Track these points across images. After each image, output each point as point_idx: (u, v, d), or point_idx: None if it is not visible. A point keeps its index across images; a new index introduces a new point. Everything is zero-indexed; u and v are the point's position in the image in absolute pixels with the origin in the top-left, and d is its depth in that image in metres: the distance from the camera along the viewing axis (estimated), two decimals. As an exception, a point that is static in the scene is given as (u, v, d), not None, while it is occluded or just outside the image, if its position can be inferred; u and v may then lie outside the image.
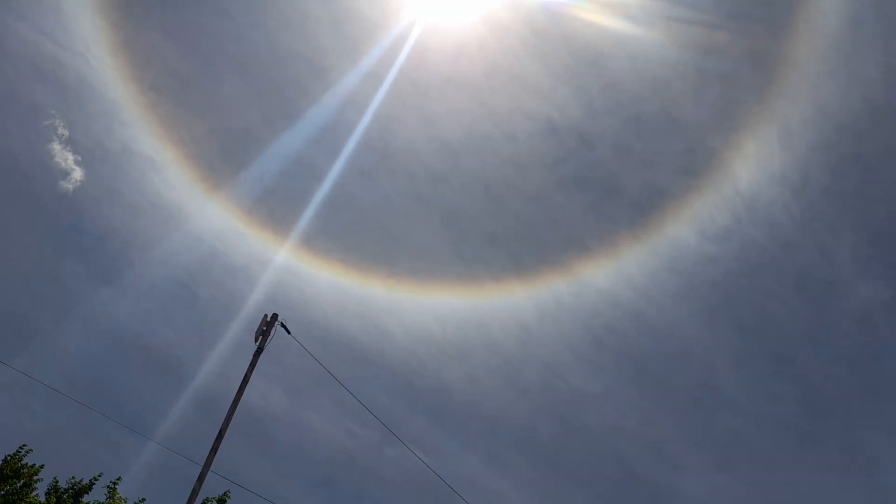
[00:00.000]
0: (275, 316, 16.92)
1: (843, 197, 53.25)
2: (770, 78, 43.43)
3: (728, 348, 57.43)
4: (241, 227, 42.98)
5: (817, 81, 45.27)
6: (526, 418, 56.54)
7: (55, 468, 20.40)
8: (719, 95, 49.21)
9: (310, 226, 50.54)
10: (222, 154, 45.27)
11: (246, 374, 16.61)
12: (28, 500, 18.18)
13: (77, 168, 45.02)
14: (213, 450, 15.37)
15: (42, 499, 18.94)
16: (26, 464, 19.39)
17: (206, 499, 20.20)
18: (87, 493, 19.55)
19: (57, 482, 19.59)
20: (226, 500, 20.41)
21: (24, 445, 19.40)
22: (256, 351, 16.73)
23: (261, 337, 16.80)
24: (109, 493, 18.62)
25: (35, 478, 19.15)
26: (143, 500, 19.45)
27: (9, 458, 18.71)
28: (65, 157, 44.17)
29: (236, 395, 15.73)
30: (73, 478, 19.67)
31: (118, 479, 18.97)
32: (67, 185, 44.62)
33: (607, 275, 48.45)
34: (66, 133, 43.95)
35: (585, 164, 57.10)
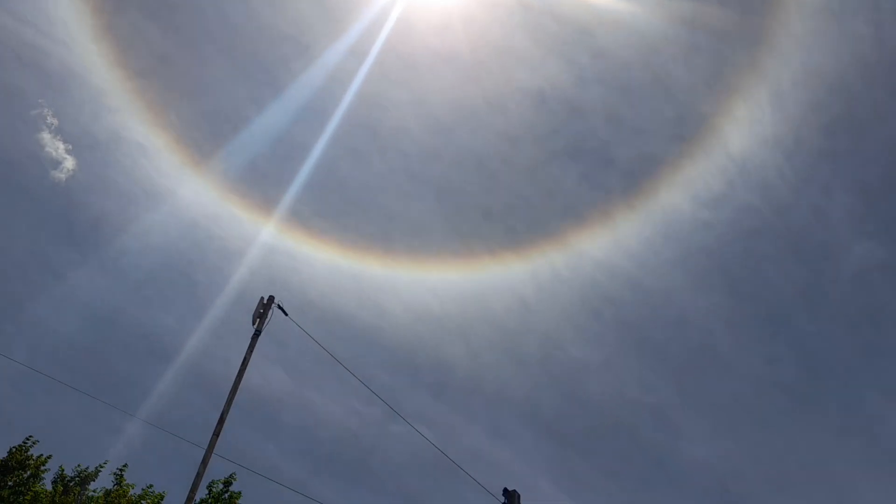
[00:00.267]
0: (271, 298, 16.93)
1: (836, 158, 53.26)
2: (760, 39, 43.18)
3: (725, 313, 57.74)
4: (236, 210, 42.89)
5: (808, 41, 45.03)
6: (528, 390, 56.98)
7: (61, 457, 20.58)
8: (709, 60, 48.97)
9: (305, 207, 50.48)
10: (211, 136, 45.04)
11: (245, 357, 16.65)
12: (35, 489, 18.33)
13: (68, 157, 44.75)
14: (216, 433, 15.47)
15: (49, 488, 19.11)
16: (31, 455, 19.52)
17: (213, 481, 20.37)
18: (94, 481, 19.72)
19: (63, 470, 19.74)
20: (231, 482, 20.57)
21: (30, 437, 19.56)
22: (255, 333, 16.76)
23: (258, 319, 16.81)
24: (117, 479, 18.77)
25: (42, 468, 19.31)
26: (151, 486, 19.62)
27: (14, 449, 18.82)
28: (55, 147, 43.89)
29: (236, 377, 15.80)
30: (78, 465, 19.85)
31: (124, 466, 19.15)
32: (60, 175, 44.37)
33: (603, 244, 48.54)
34: (55, 122, 43.63)
35: (577, 135, 56.95)
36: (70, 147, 46.99)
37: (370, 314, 52.03)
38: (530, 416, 57.43)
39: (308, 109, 49.26)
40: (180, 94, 48.31)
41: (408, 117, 53.50)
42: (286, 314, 16.49)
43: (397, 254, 47.53)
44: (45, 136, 44.54)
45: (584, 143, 57.28)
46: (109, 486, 19.52)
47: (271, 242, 45.11)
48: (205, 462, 15.20)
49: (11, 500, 17.88)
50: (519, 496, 15.81)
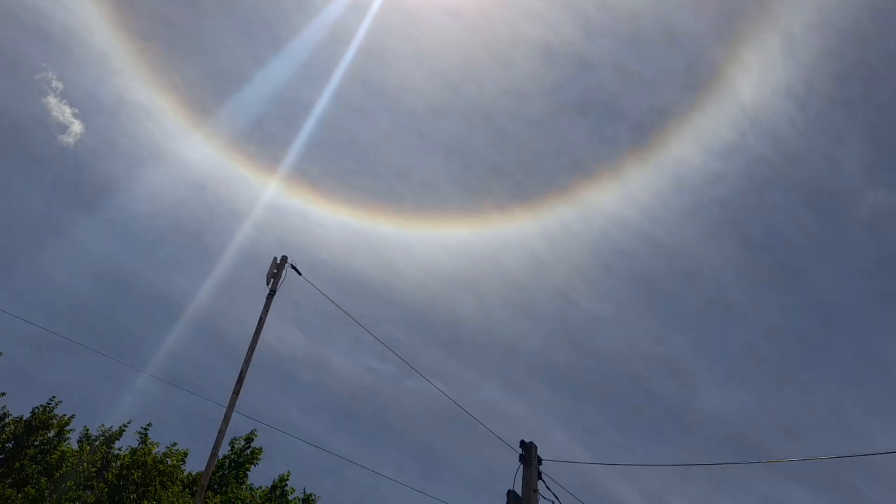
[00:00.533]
0: (284, 258, 17.00)
1: (849, 105, 52.41)
2: (772, -16, 42.23)
3: (737, 264, 57.65)
4: (244, 171, 42.84)
5: (821, -15, 44.03)
6: (540, 344, 57.43)
7: (83, 418, 21.06)
8: (719, 7, 47.97)
9: (314, 167, 50.38)
10: (216, 96, 44.77)
11: (261, 317, 16.79)
12: (61, 448, 18.80)
13: (76, 121, 44.67)
14: (236, 391, 15.71)
15: (75, 447, 19.58)
16: (56, 415, 19.97)
17: (234, 438, 20.84)
18: (118, 440, 20.18)
19: (87, 430, 20.21)
20: (252, 439, 21.04)
21: (53, 397, 19.98)
22: (269, 293, 16.86)
23: (272, 279, 16.91)
24: (142, 438, 19.19)
25: (66, 428, 19.77)
26: (175, 444, 20.08)
27: (38, 410, 19.25)
28: (62, 111, 43.78)
29: (253, 337, 15.98)
30: (102, 425, 20.30)
31: (149, 425, 19.57)
32: (68, 139, 44.36)
33: (613, 198, 48.31)
34: (60, 86, 43.45)
35: (585, 88, 56.22)
36: (77, 111, 46.88)
37: (382, 272, 52.31)
38: (543, 370, 58.02)
39: (311, 67, 48.80)
40: (183, 54, 47.93)
41: (413, 73, 52.93)
42: (300, 274, 16.58)
43: (407, 212, 47.54)
44: (52, 101, 44.41)
45: (592, 96, 56.61)
46: (133, 445, 19.96)
47: (281, 203, 45.20)
48: (226, 419, 15.49)
49: (39, 459, 18.35)
50: (536, 447, 16.04)
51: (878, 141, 54.09)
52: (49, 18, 43.77)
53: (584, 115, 56.97)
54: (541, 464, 15.11)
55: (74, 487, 17.49)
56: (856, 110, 52.97)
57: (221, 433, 15.53)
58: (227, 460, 20.42)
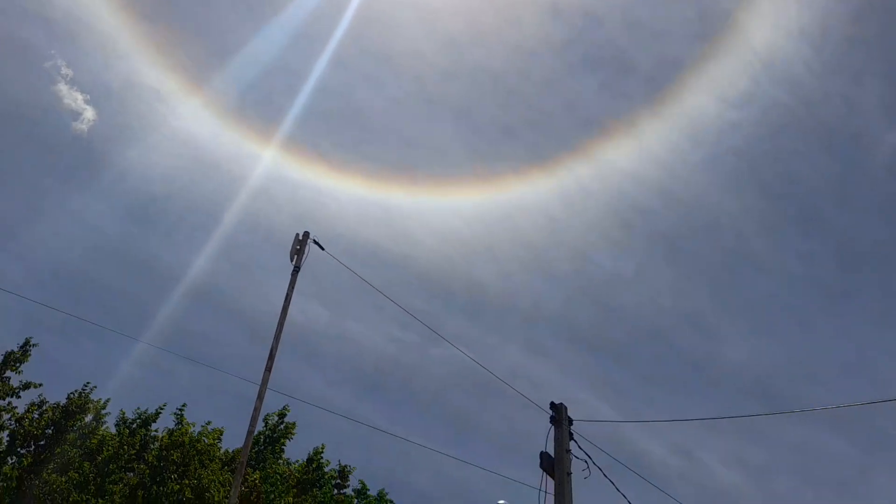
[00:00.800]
0: (306, 234, 16.90)
1: (866, 45, 51.23)
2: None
3: (756, 213, 57.07)
4: (257, 148, 42.69)
5: (834, -79, 42.80)
6: (562, 306, 57.41)
7: (117, 401, 21.30)
8: (730, -50, 46.82)
9: (325, 140, 50.13)
10: (226, 76, 44.43)
11: (287, 293, 16.75)
12: (100, 432, 19.08)
13: (88, 107, 44.59)
14: (268, 367, 15.76)
15: (112, 431, 19.87)
16: (91, 399, 20.24)
17: (268, 414, 21.06)
18: (154, 422, 20.44)
19: (124, 414, 20.48)
20: (285, 414, 21.26)
21: (87, 383, 20.23)
22: (294, 270, 16.80)
23: (296, 256, 16.86)
24: (177, 418, 19.42)
25: (103, 412, 20.06)
26: (210, 422, 20.31)
27: (73, 395, 19.53)
28: (74, 98, 43.70)
29: (281, 314, 15.98)
30: (138, 408, 20.56)
31: (183, 406, 19.78)
32: (81, 126, 44.33)
33: (629, 154, 47.74)
34: (69, 73, 43.29)
35: (595, 43, 55.30)
36: (88, 97, 46.80)
37: (399, 243, 52.31)
38: (566, 331, 58.08)
39: (307, 36, 48.22)
40: (187, 32, 47.50)
41: (418, 38, 52.25)
42: (322, 248, 16.48)
43: (421, 180, 47.30)
44: (62, 88, 44.33)
45: (602, 52, 55.71)
46: (168, 426, 20.18)
47: (294, 177, 45.11)
48: (260, 396, 15.58)
49: (79, 444, 18.65)
50: (566, 408, 16.04)
51: (897, 80, 52.94)
52: (52, 4, 43.49)
53: (595, 71, 56.16)
54: (571, 424, 15.12)
55: (117, 470, 17.78)
56: (873, 49, 51.81)
57: (257, 410, 15.62)
58: (261, 436, 20.68)
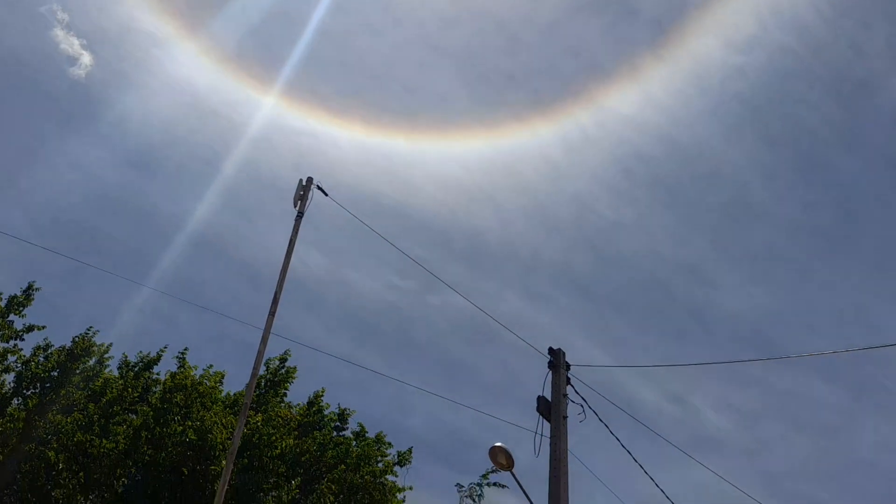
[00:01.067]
0: (310, 179, 16.80)
1: (876, -12, 50.17)
2: None
3: (759, 162, 56.75)
4: (254, 93, 42.12)
5: None
6: (561, 253, 57.56)
7: (119, 345, 21.54)
8: None
9: (326, 86, 49.45)
10: (224, 22, 43.56)
11: (291, 239, 16.75)
12: (104, 375, 19.33)
13: (85, 52, 43.85)
14: (271, 313, 15.87)
15: (116, 373, 20.13)
16: (94, 342, 20.45)
17: (269, 359, 21.27)
18: (156, 365, 20.68)
19: (126, 357, 20.71)
20: (286, 359, 21.48)
21: (90, 327, 20.43)
22: (297, 216, 16.76)
23: (299, 202, 16.79)
24: (179, 362, 19.64)
25: (106, 355, 20.30)
26: (211, 365, 20.56)
27: (78, 338, 19.71)
28: (70, 43, 42.93)
29: (285, 259, 16.01)
30: (140, 352, 20.78)
31: (185, 350, 19.97)
32: (78, 72, 43.66)
33: (631, 100, 47.13)
34: (66, 17, 42.43)
35: (600, -14, 54.13)
36: (84, 42, 45.98)
37: (399, 190, 52.14)
38: (564, 279, 58.37)
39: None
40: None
41: (422, -18, 51.12)
42: (326, 195, 16.42)
43: (422, 127, 46.78)
44: (59, 33, 43.52)
45: (607, -5, 54.53)
46: (170, 370, 20.40)
47: (294, 125, 44.70)
48: (264, 340, 15.72)
49: (83, 385, 18.93)
50: (564, 354, 16.21)
51: (907, 25, 51.99)
52: (43, -57, 42.39)
53: (599, 14, 55.07)
54: (569, 370, 15.33)
55: (121, 412, 18.07)
56: (883, -6, 50.71)
57: (260, 353, 15.79)
58: (262, 380, 20.93)
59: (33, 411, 17.69)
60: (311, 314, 48.54)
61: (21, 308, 19.65)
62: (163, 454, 16.94)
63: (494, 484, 20.21)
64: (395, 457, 20.63)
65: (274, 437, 17.93)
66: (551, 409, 13.64)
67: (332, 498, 17.69)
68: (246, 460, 17.17)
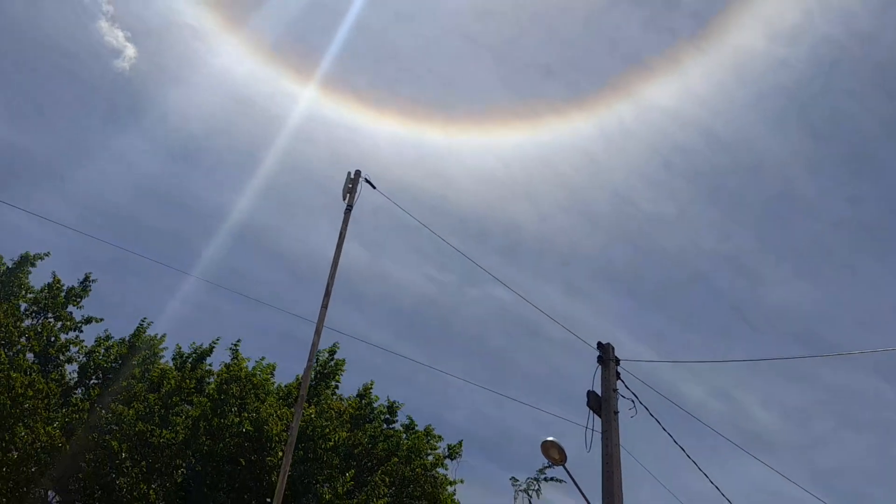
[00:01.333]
0: (358, 172, 16.89)
1: (927, -25, 48.77)
2: None
3: (804, 155, 55.69)
4: (292, 86, 42.37)
5: None
6: (600, 248, 57.15)
7: (173, 336, 21.93)
8: None
9: (360, 79, 49.63)
10: (264, 13, 43.94)
11: (341, 233, 16.88)
12: (161, 366, 19.74)
13: (129, 45, 44.56)
14: (324, 305, 16.01)
15: (170, 364, 20.55)
16: (149, 335, 20.91)
17: (318, 351, 21.48)
18: (209, 356, 21.04)
19: (180, 348, 21.11)
20: (335, 351, 21.70)
21: (144, 318, 20.88)
22: (346, 209, 16.86)
23: (348, 195, 16.87)
24: (233, 353, 19.94)
25: (160, 346, 20.75)
26: (264, 357, 20.85)
27: (136, 330, 20.21)
28: (115, 35, 43.64)
29: (336, 251, 16.12)
30: (193, 343, 21.16)
31: (238, 342, 20.28)
32: (123, 64, 44.37)
33: (672, 92, 46.52)
34: (111, 9, 43.11)
35: (640, -24, 53.46)
36: (129, 34, 46.73)
37: (435, 183, 52.16)
38: (604, 273, 57.96)
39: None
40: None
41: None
42: (374, 187, 16.49)
43: (458, 120, 46.67)
44: (104, 25, 44.28)
45: (647, -15, 53.84)
46: (222, 362, 20.69)
47: (330, 117, 44.93)
48: (317, 332, 15.88)
49: (138, 375, 19.36)
50: (613, 348, 16.12)
51: (958, 13, 50.48)
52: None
53: (639, 5, 54.42)
54: (618, 364, 15.24)
55: (179, 402, 18.44)
56: (934, -19, 49.28)
57: (314, 346, 15.99)
58: (313, 372, 21.16)
59: (96, 401, 18.15)
60: (352, 307, 48.91)
61: (79, 299, 20.16)
62: (220, 445, 17.23)
63: (551, 479, 20.21)
64: (446, 450, 20.75)
65: (327, 430, 18.13)
66: (601, 404, 13.58)
67: (385, 490, 17.84)
68: (301, 452, 17.39)
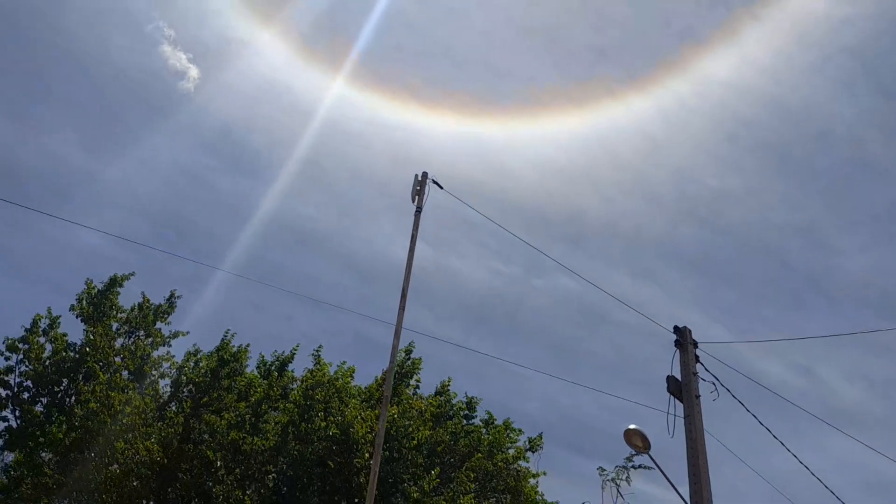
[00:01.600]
0: (425, 174, 17.07)
1: None
2: None
3: (874, 116, 53.43)
4: (352, 92, 43.03)
5: None
6: (666, 228, 56.17)
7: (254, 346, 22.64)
8: None
9: (415, 79, 49.92)
10: (316, 24, 44.70)
11: (412, 235, 17.10)
12: (248, 376, 20.47)
13: (192, 66, 46.02)
14: (401, 307, 16.30)
15: (256, 373, 21.27)
16: (233, 346, 21.67)
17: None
18: (290, 363, 21.69)
19: (263, 357, 21.82)
20: (411, 350, 22.06)
21: (228, 330, 21.65)
22: (416, 211, 17.06)
23: (417, 197, 17.07)
24: (315, 359, 20.50)
25: (246, 356, 21.51)
26: (345, 362, 21.36)
27: (222, 343, 21.01)
28: (178, 58, 45.11)
29: (409, 254, 16.36)
30: (275, 351, 21.85)
31: (320, 347, 20.82)
32: (187, 85, 45.85)
33: (730, 65, 45.33)
34: (171, 33, 44.57)
35: (690, -52, 52.21)
36: (191, 56, 48.28)
37: (496, 176, 52.14)
38: (671, 254, 56.95)
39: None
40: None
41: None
42: (441, 188, 16.65)
43: (514, 110, 46.55)
44: (167, 49, 45.84)
45: (698, -44, 52.52)
46: (305, 368, 21.24)
47: (386, 117, 45.38)
48: (397, 334, 16.19)
49: (229, 387, 20.11)
50: (690, 331, 15.89)
51: None
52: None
53: (690, -21, 53.09)
54: (696, 347, 15.02)
55: (268, 410, 19.11)
56: None
57: (394, 347, 16.29)
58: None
59: (190, 414, 18.96)
60: (420, 305, 49.46)
61: (166, 316, 21.04)
62: (309, 449, 17.77)
63: (639, 466, 20.09)
64: (527, 443, 20.87)
65: (411, 429, 18.48)
66: (682, 389, 13.42)
67: (470, 486, 18.09)
68: (386, 452, 17.78)
